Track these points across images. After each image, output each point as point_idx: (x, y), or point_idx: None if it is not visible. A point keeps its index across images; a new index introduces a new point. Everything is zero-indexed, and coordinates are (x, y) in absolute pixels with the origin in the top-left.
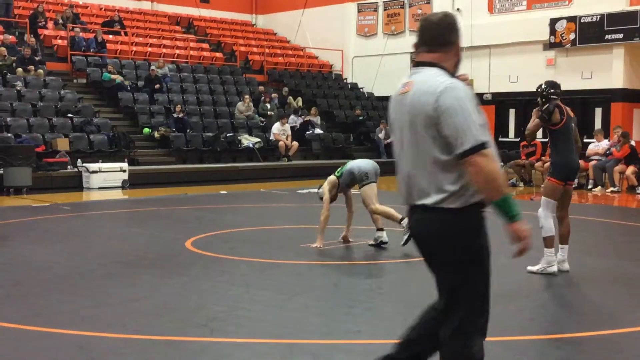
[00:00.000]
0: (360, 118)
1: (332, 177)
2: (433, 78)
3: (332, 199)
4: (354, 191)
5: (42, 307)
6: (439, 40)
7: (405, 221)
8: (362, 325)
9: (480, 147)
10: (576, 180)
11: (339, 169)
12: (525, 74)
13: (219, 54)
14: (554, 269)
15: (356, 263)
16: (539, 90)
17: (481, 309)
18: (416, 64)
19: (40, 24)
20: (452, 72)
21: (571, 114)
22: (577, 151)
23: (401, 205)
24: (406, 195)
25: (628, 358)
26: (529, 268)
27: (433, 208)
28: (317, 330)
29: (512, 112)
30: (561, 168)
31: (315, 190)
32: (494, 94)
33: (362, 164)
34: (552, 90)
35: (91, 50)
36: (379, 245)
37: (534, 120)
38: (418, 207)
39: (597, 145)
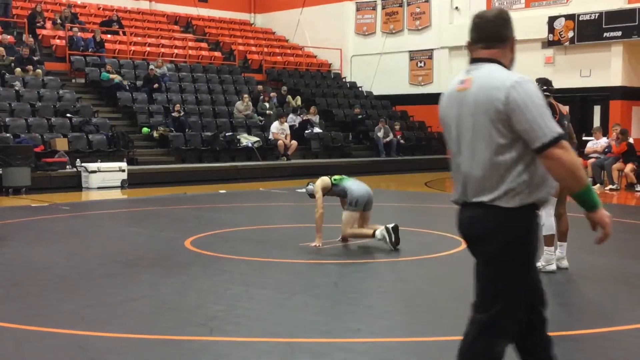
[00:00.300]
0: (359, 117)
1: (326, 179)
2: (498, 73)
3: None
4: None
5: (42, 307)
6: (495, 37)
7: (378, 232)
8: (362, 323)
9: (559, 139)
10: None
11: (338, 177)
12: (524, 72)
13: (217, 54)
14: (553, 267)
15: (356, 262)
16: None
17: (515, 313)
18: (472, 60)
19: (38, 23)
20: (509, 68)
21: (564, 111)
22: (573, 147)
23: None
24: (460, 192)
25: (627, 355)
26: (563, 267)
27: (488, 206)
28: (317, 328)
29: None
30: None
31: (303, 189)
32: None
33: (359, 190)
34: (544, 87)
35: (90, 50)
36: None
37: None
38: (472, 204)
39: (596, 143)
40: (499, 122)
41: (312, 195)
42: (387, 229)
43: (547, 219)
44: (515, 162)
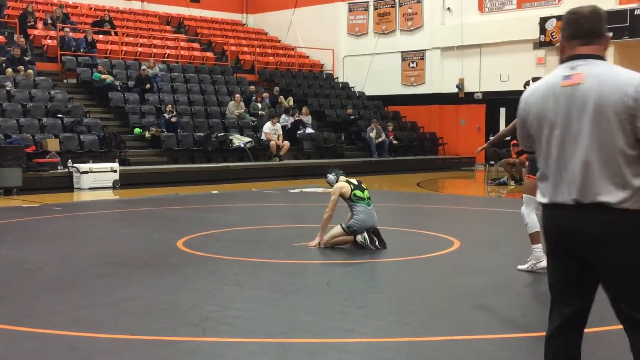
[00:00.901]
0: (352, 117)
1: (347, 188)
2: (619, 69)
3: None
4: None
5: (34, 307)
6: (594, 33)
7: (359, 237)
8: (355, 324)
9: None
10: None
11: (359, 194)
12: (516, 72)
13: (209, 54)
14: (544, 264)
15: (348, 262)
16: (526, 87)
17: None
18: (574, 56)
19: (29, 24)
20: None
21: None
22: None
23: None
24: (569, 192)
25: (618, 355)
26: (520, 267)
27: (614, 208)
28: (310, 329)
29: (502, 110)
30: (535, 164)
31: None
32: (484, 93)
33: (364, 222)
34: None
35: (81, 50)
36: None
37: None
38: (593, 205)
39: None
40: (628, 117)
41: (330, 184)
42: (367, 232)
43: (529, 217)
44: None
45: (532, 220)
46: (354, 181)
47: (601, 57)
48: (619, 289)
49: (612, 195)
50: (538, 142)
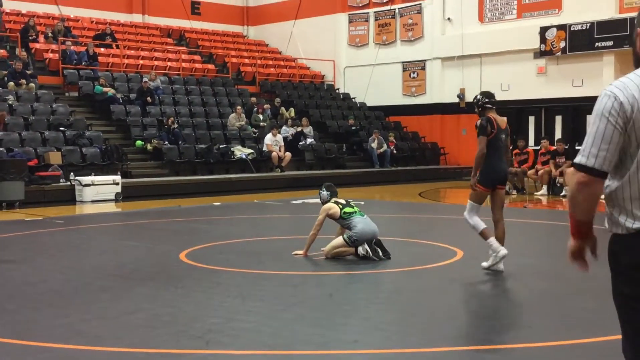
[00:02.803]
0: (354, 128)
1: (335, 209)
2: None
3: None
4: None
5: (37, 321)
6: None
7: (361, 249)
8: (358, 335)
9: None
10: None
11: (349, 211)
12: (517, 82)
13: (210, 66)
14: (503, 251)
15: (351, 273)
16: (474, 101)
17: None
18: None
19: (31, 37)
20: None
21: (503, 125)
22: (506, 160)
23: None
24: None
25: None
26: (483, 264)
27: None
28: (313, 340)
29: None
30: (487, 175)
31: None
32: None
33: (364, 232)
34: (486, 100)
35: (83, 63)
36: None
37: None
38: None
39: None
40: None
41: (324, 202)
42: (368, 244)
43: (472, 219)
44: None
45: (475, 220)
46: (342, 200)
47: None
48: None
49: None
50: (633, 154)
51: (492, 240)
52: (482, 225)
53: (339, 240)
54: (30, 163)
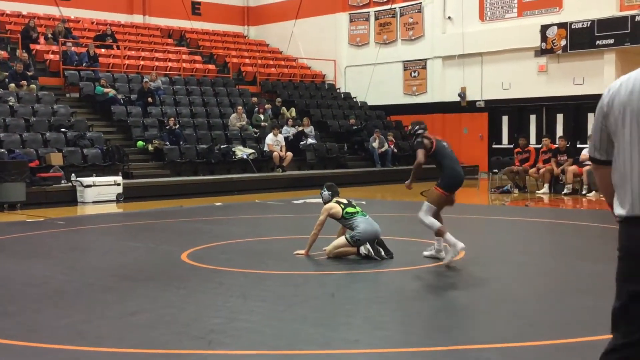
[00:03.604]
0: (355, 127)
1: (337, 209)
2: None
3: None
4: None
5: (39, 322)
6: None
7: (363, 249)
8: (360, 335)
9: None
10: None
11: (351, 211)
12: (518, 80)
13: (211, 66)
14: (461, 245)
15: (353, 272)
16: (410, 132)
17: None
18: None
19: (32, 38)
20: None
21: (439, 137)
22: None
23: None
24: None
25: None
26: (445, 262)
27: None
28: (315, 340)
29: (505, 118)
30: (448, 180)
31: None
32: (486, 101)
33: (367, 232)
34: (417, 127)
35: (83, 64)
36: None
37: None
38: None
39: None
40: None
41: (325, 202)
42: (370, 244)
43: (427, 219)
44: None
45: (431, 220)
46: (344, 200)
47: None
48: None
49: None
50: (619, 143)
51: (449, 236)
52: (437, 224)
53: (341, 240)
54: (31, 164)
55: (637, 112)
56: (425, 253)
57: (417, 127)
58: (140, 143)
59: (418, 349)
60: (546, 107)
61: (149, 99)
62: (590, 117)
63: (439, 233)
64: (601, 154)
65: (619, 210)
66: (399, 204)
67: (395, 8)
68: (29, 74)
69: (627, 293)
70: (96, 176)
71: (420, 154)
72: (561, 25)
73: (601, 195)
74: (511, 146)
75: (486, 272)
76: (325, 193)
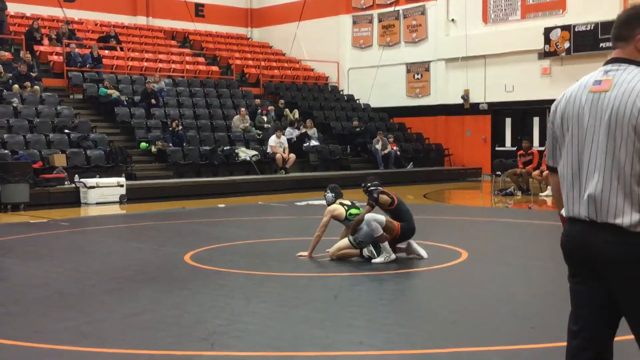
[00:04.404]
0: (357, 129)
1: (341, 210)
2: None
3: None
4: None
5: (42, 323)
6: (624, 34)
7: (366, 251)
8: (363, 336)
9: None
10: None
11: (355, 212)
12: (521, 83)
13: (214, 68)
14: (394, 256)
15: (356, 274)
16: (364, 188)
17: None
18: (610, 60)
19: (36, 39)
20: None
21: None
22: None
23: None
24: (585, 209)
25: None
26: (375, 260)
27: (631, 232)
28: (318, 342)
29: (508, 121)
30: (404, 231)
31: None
32: (489, 104)
33: (370, 234)
34: (369, 184)
35: (87, 65)
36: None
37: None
38: (609, 226)
39: None
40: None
41: (329, 204)
42: (374, 245)
43: (372, 223)
44: None
45: (376, 225)
46: (347, 202)
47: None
48: (632, 312)
49: (626, 218)
50: (561, 149)
51: (386, 246)
52: (380, 230)
53: (344, 241)
54: (34, 165)
55: (571, 118)
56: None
57: (368, 184)
58: (143, 144)
59: (421, 351)
60: (549, 109)
61: (153, 101)
62: None
63: (381, 239)
64: (554, 161)
65: (562, 211)
66: None
67: (398, 10)
68: (33, 75)
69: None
70: (99, 177)
71: (369, 209)
72: (565, 28)
73: None
74: (514, 148)
75: (489, 274)
76: (329, 195)
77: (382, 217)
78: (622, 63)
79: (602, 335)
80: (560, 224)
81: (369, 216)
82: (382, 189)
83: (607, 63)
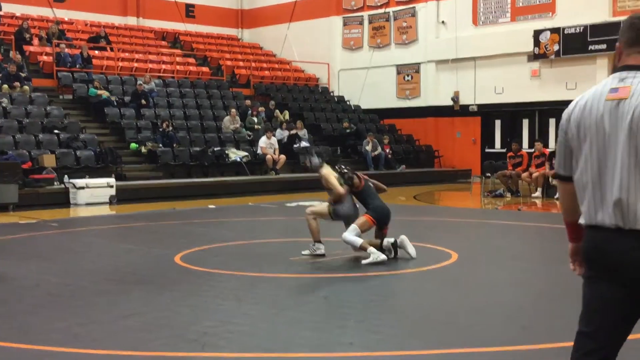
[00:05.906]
0: (348, 130)
1: (335, 176)
2: None
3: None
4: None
5: (33, 325)
6: None
7: (387, 246)
8: (354, 337)
9: None
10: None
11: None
12: (511, 85)
13: (205, 69)
14: (383, 257)
15: (346, 275)
16: (339, 171)
17: None
18: (626, 67)
19: (25, 39)
20: None
21: (365, 177)
22: (380, 188)
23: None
24: (616, 217)
25: None
26: (364, 262)
27: None
28: (309, 343)
29: (497, 123)
30: (377, 214)
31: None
32: (479, 106)
33: (351, 208)
34: (342, 166)
35: (77, 66)
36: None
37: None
38: (636, 232)
39: None
40: None
41: (315, 168)
42: (393, 245)
43: (350, 237)
44: None
45: (353, 238)
46: (335, 174)
47: None
48: None
49: None
50: (578, 158)
51: (372, 249)
52: (360, 240)
53: (324, 206)
54: (24, 166)
55: (588, 127)
56: (364, 261)
57: (342, 166)
58: (133, 145)
59: (412, 353)
60: (539, 111)
61: (143, 101)
62: None
63: (363, 247)
64: (565, 170)
65: (581, 220)
66: (392, 207)
67: (389, 12)
68: (23, 75)
69: None
70: (89, 178)
71: (345, 188)
72: (554, 30)
73: None
74: (504, 150)
75: (479, 276)
76: (316, 160)
77: (345, 215)
78: (638, 70)
79: (616, 340)
80: (564, 229)
81: (346, 235)
82: (352, 172)
83: (618, 70)
